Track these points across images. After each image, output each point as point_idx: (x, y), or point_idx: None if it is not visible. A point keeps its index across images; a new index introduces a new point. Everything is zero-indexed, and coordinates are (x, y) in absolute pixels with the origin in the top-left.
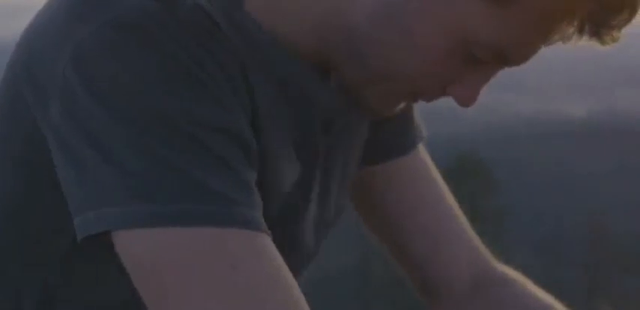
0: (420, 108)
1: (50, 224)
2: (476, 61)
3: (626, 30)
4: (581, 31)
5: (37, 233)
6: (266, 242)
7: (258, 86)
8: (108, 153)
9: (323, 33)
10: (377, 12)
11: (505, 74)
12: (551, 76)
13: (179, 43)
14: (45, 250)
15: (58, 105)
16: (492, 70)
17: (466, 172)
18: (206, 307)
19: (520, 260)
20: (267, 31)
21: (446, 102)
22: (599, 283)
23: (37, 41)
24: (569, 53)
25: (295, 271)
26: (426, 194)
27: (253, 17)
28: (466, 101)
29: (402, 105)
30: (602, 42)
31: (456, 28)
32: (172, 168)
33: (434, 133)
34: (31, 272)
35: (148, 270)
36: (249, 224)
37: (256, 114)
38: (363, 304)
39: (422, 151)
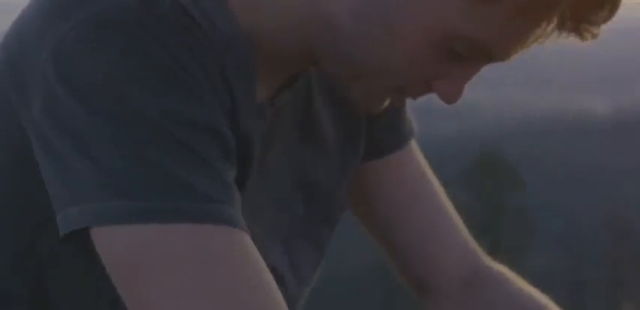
0: (442, 106)
1: (37, 223)
2: (460, 58)
3: None
4: (561, 27)
5: (25, 233)
6: (245, 239)
7: (237, 86)
8: (87, 151)
9: (305, 29)
10: (358, 7)
11: (528, 69)
12: (574, 71)
13: (158, 40)
14: (33, 250)
15: (39, 103)
16: (476, 66)
17: (489, 170)
18: (184, 306)
19: (542, 258)
20: (244, 30)
21: (468, 101)
22: (622, 281)
23: (22, 36)
24: (591, 46)
25: None
26: (418, 191)
27: (233, 16)
28: (450, 97)
29: (388, 101)
30: (582, 38)
31: (437, 24)
32: (151, 166)
33: (456, 131)
34: (21, 273)
35: (126, 268)
36: (228, 221)
37: (236, 113)
38: (385, 302)
39: (414, 148)
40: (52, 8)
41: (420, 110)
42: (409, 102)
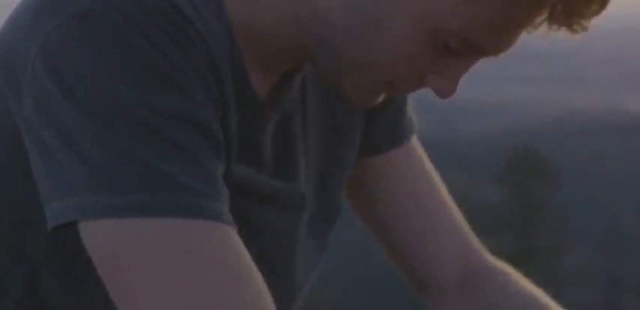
0: (479, 103)
1: (30, 220)
2: (452, 53)
3: None
4: (552, 20)
5: (18, 230)
6: (231, 234)
7: (228, 83)
8: (74, 145)
9: (302, 25)
10: (351, 1)
11: (563, 67)
12: (609, 69)
13: (146, 35)
14: (26, 247)
15: (30, 100)
16: (470, 61)
17: (526, 168)
18: (167, 302)
19: (580, 256)
20: (238, 26)
21: (505, 98)
22: None
23: (15, 33)
24: (626, 43)
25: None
26: (417, 189)
27: (226, 12)
28: (444, 93)
29: (381, 96)
30: (573, 31)
31: (425, 17)
32: (136, 160)
33: (494, 129)
34: (13, 270)
35: (111, 261)
36: (215, 216)
37: (227, 110)
38: (407, 300)
39: (415, 145)
40: (42, 4)
41: (459, 108)
42: (446, 100)
